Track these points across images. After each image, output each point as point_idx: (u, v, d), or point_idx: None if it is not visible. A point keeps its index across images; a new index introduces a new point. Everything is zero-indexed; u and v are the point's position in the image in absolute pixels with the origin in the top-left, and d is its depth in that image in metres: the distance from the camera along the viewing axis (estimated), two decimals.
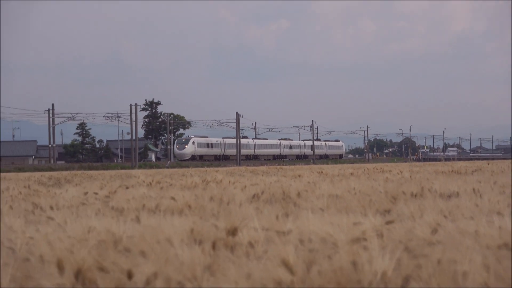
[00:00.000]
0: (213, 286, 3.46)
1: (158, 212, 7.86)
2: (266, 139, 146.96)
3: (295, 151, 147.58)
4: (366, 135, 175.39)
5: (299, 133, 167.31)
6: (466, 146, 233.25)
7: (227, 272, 3.36)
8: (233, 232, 4.76)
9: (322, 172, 26.96)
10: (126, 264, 3.71)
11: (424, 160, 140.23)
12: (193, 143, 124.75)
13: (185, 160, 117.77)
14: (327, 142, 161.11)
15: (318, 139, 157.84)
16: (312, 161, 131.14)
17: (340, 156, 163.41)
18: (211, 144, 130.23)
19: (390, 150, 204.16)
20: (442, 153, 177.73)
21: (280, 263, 3.31)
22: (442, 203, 8.22)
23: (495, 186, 12.10)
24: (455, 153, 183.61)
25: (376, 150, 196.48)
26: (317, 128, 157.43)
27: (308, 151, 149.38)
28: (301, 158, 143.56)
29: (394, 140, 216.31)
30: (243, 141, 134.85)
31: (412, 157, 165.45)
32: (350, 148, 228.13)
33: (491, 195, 9.71)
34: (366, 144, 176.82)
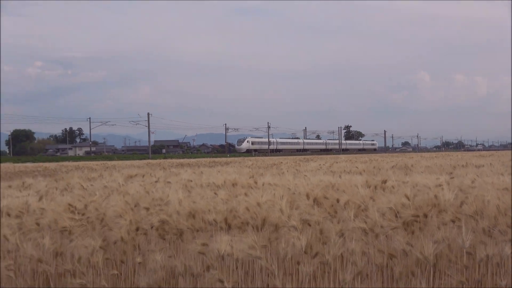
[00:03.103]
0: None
1: (350, 173, 7.70)
2: (315, 139, 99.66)
3: (332, 147, 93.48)
4: (441, 140, 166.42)
5: (407, 141, 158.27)
6: (486, 144, 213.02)
7: (380, 199, 3.25)
8: (384, 182, 4.58)
9: (422, 156, 25.57)
10: (336, 196, 3.66)
11: (468, 151, 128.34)
12: (247, 141, 78.08)
13: (243, 153, 73.26)
14: (364, 141, 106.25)
15: (359, 139, 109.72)
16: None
17: (374, 149, 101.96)
18: (263, 142, 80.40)
19: (452, 146, 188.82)
20: (475, 148, 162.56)
21: (403, 195, 3.17)
22: (476, 170, 7.70)
23: (500, 162, 11.17)
24: (481, 148, 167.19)
25: (446, 146, 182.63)
26: (419, 136, 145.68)
27: (349, 147, 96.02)
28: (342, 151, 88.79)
29: (454, 142, 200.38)
30: (294, 140, 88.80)
31: (462, 150, 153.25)
32: (434, 145, 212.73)
33: (498, 166, 8.98)
34: (441, 143, 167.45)
